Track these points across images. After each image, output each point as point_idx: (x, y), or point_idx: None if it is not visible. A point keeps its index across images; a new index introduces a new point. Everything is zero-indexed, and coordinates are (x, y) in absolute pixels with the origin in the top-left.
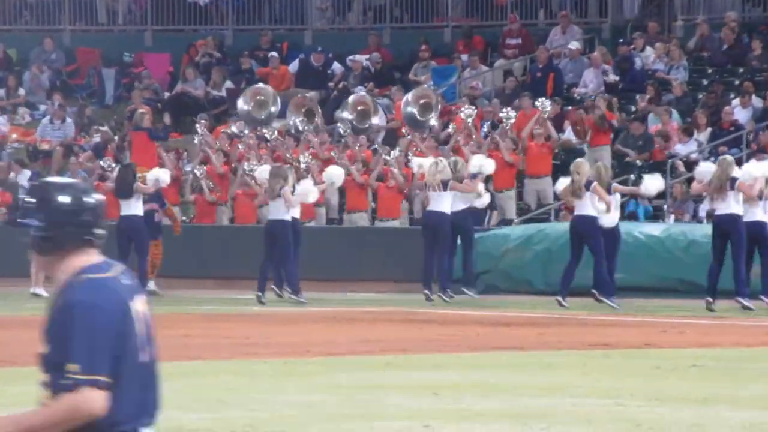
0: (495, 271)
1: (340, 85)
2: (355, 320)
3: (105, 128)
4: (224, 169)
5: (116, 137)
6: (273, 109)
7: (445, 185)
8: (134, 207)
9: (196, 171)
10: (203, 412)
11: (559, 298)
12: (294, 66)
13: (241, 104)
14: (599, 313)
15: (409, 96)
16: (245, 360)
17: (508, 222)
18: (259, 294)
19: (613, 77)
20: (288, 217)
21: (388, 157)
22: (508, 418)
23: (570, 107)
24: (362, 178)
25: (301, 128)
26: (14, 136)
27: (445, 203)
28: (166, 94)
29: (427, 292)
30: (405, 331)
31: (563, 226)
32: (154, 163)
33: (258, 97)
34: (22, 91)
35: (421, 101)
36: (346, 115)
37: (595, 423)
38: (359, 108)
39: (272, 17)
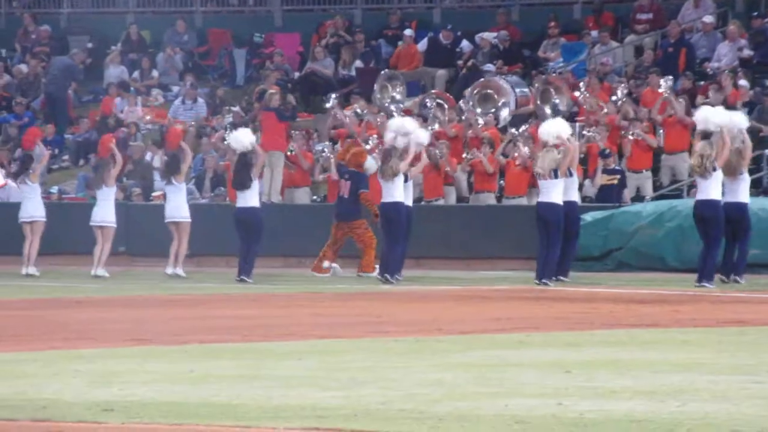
0: (627, 248)
1: (469, 63)
2: (486, 298)
3: (236, 109)
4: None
5: (247, 117)
6: (399, 90)
7: (555, 173)
8: (250, 198)
9: (326, 151)
10: (335, 390)
11: (705, 283)
12: (423, 44)
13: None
14: (733, 290)
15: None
16: (377, 338)
17: (640, 199)
18: (386, 276)
19: (747, 51)
20: (400, 199)
21: (516, 132)
22: (643, 395)
23: (703, 82)
24: (488, 158)
25: (429, 105)
26: (148, 117)
27: (554, 193)
28: (296, 74)
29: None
30: (536, 309)
31: None
32: (283, 144)
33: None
34: (155, 73)
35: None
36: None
37: (732, 400)
38: (485, 92)
39: None
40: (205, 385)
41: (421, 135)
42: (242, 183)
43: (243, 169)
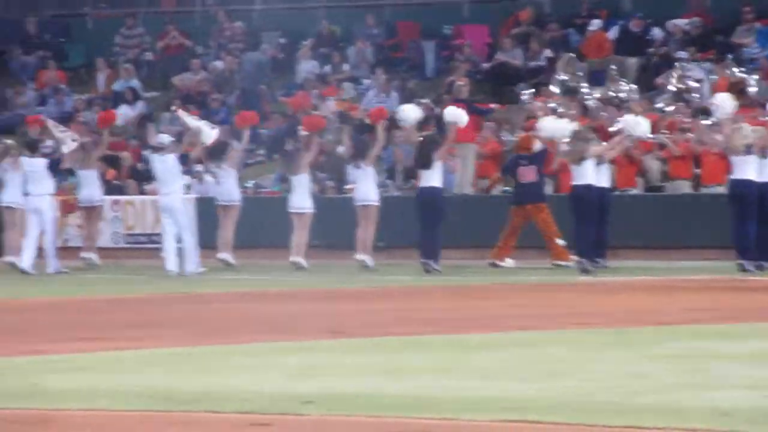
0: None
1: (661, 51)
2: (683, 288)
3: (426, 101)
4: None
5: (437, 110)
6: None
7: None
8: (433, 178)
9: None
10: (533, 382)
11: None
12: (613, 33)
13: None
14: None
15: None
16: (575, 329)
17: None
18: (582, 262)
19: None
20: (592, 182)
21: (707, 122)
22: None
23: None
24: (681, 147)
25: (624, 96)
26: (340, 111)
27: (748, 169)
28: (485, 66)
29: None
30: (736, 299)
31: None
32: (473, 135)
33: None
34: (346, 67)
35: None
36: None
37: None
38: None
39: None
40: (402, 377)
41: (640, 125)
42: (425, 162)
43: (427, 148)
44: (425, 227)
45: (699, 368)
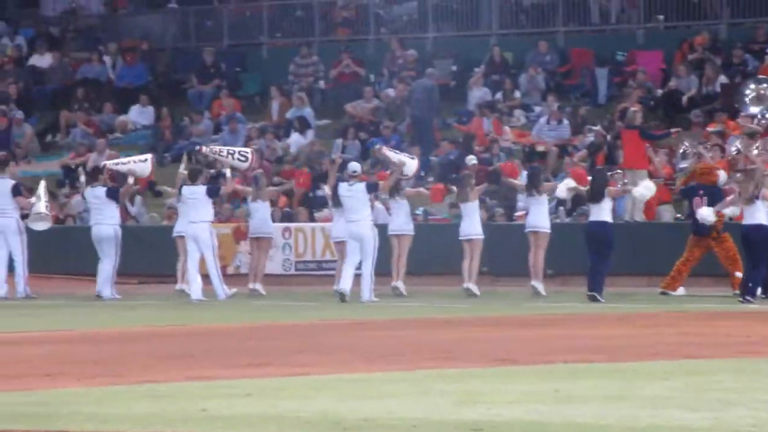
0: None
1: None
2: None
3: (597, 128)
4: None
5: (608, 137)
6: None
7: None
8: (603, 212)
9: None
10: (704, 411)
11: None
12: None
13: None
14: None
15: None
16: (746, 358)
17: None
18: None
19: None
20: (763, 221)
21: None
22: None
23: None
24: None
25: None
26: (510, 137)
27: None
28: (659, 92)
29: None
30: None
31: None
32: (645, 162)
33: (761, 92)
34: (517, 94)
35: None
36: None
37: None
38: None
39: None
40: (570, 405)
41: None
42: (596, 196)
43: (599, 182)
44: (594, 261)
45: None
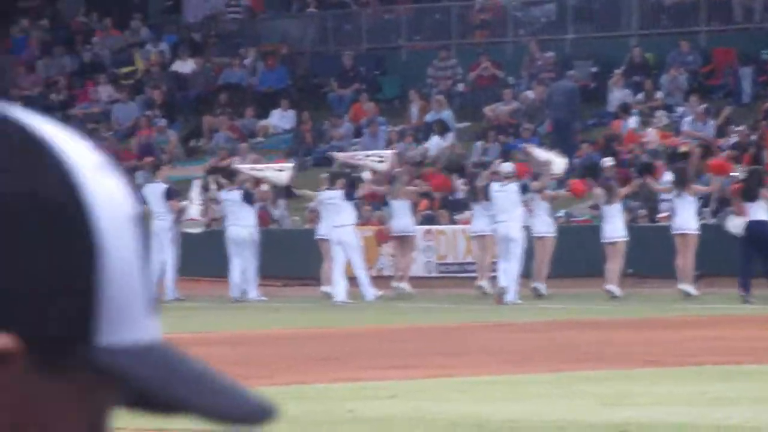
0: None
1: None
2: None
3: (741, 128)
4: None
5: (753, 137)
6: None
7: None
8: (760, 212)
9: None
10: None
11: None
12: None
13: None
14: None
15: None
16: None
17: None
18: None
19: None
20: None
21: None
22: None
23: None
24: None
25: None
26: (655, 138)
27: None
28: None
29: None
30: None
31: None
32: None
33: None
34: (659, 94)
35: None
36: None
37: None
38: None
39: None
40: (718, 407)
41: None
42: (751, 195)
43: (753, 181)
44: (749, 260)
45: None
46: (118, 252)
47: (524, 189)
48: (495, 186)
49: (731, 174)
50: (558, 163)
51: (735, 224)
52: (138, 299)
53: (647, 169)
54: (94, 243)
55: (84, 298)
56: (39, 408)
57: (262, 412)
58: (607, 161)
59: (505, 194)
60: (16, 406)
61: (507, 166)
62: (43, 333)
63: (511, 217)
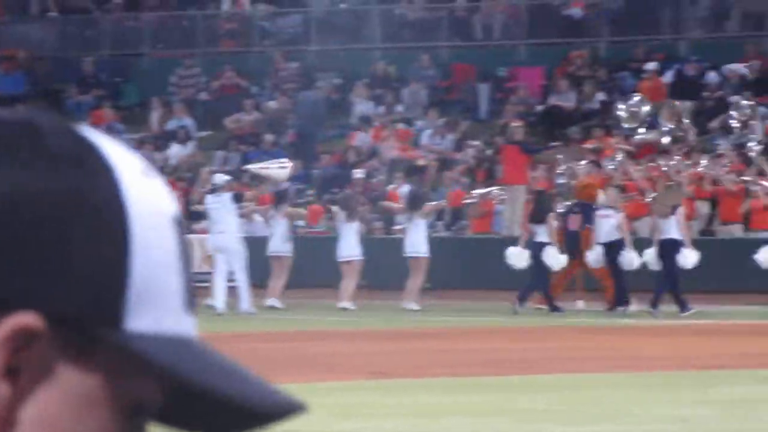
0: None
1: (716, 95)
2: (737, 333)
3: (477, 143)
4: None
5: (488, 152)
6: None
7: None
8: (544, 235)
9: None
10: (576, 425)
11: None
12: (668, 76)
13: (616, 114)
14: None
15: None
16: (624, 372)
17: None
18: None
19: None
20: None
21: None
22: None
23: None
24: (736, 188)
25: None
26: (393, 150)
27: None
28: (539, 108)
29: None
30: None
31: None
32: (525, 177)
33: (633, 110)
34: (400, 107)
35: None
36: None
37: None
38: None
39: (647, 28)
40: (446, 419)
41: None
42: (539, 218)
43: (542, 203)
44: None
45: (740, 413)
46: (153, 247)
47: (237, 198)
48: (209, 198)
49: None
50: (279, 173)
51: (515, 255)
52: (174, 294)
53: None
54: (128, 236)
55: (110, 285)
56: (66, 389)
57: (293, 405)
58: (358, 173)
59: (220, 205)
60: (42, 385)
61: (219, 177)
62: (68, 313)
63: (227, 229)
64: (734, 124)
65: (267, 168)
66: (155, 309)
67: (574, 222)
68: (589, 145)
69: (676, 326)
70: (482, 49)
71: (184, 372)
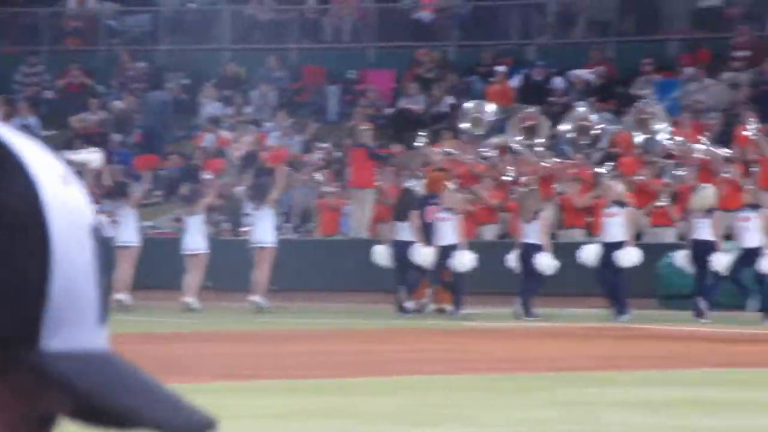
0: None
1: (562, 100)
2: (572, 335)
3: (326, 145)
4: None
5: (337, 154)
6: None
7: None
8: (406, 233)
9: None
10: (418, 427)
11: None
12: (516, 81)
13: (463, 121)
14: None
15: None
16: (465, 375)
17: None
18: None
19: None
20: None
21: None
22: None
23: None
24: (581, 195)
25: (519, 146)
26: (239, 151)
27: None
28: (388, 111)
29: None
30: (627, 347)
31: None
32: (372, 180)
33: (476, 115)
34: (249, 109)
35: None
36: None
37: None
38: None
39: (496, 33)
40: (285, 421)
41: None
42: (401, 215)
43: (405, 201)
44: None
45: (584, 415)
46: (72, 260)
47: None
48: None
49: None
50: (93, 159)
51: (380, 253)
52: (89, 308)
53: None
54: (47, 252)
55: (30, 303)
56: None
57: (204, 424)
58: (206, 173)
59: None
60: None
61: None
62: None
63: None
64: (577, 129)
65: (78, 153)
66: (71, 325)
67: (431, 214)
68: (438, 148)
69: (519, 329)
70: (332, 51)
71: (95, 392)
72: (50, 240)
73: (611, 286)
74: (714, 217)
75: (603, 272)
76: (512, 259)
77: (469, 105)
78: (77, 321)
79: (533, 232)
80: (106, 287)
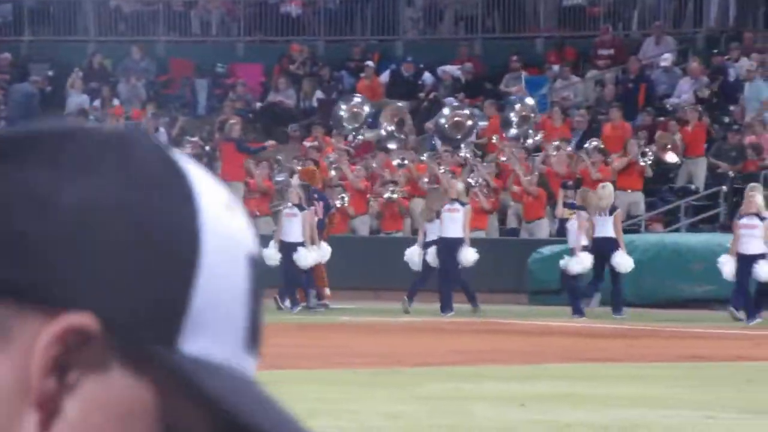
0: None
1: (431, 96)
2: (443, 330)
3: (195, 139)
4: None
5: (207, 148)
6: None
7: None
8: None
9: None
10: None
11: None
12: (385, 76)
13: (337, 114)
14: (691, 325)
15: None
16: (336, 369)
17: None
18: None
19: (706, 88)
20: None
21: (479, 168)
22: (597, 429)
23: (662, 118)
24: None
25: (391, 140)
26: None
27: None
28: (258, 105)
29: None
30: (494, 342)
31: (654, 238)
32: (242, 174)
33: (354, 110)
34: (116, 102)
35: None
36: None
37: None
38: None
39: (364, 28)
40: None
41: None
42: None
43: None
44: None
45: (453, 410)
46: (224, 279)
47: None
48: None
49: None
50: None
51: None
52: (236, 328)
53: None
54: (196, 267)
55: (173, 304)
56: (113, 395)
57: None
58: None
59: None
60: (89, 386)
61: None
62: (125, 323)
63: None
64: (447, 124)
65: None
66: (213, 335)
67: (317, 210)
68: (308, 143)
69: (387, 324)
70: (200, 44)
71: (243, 410)
72: (200, 257)
73: (452, 283)
74: (615, 215)
75: (443, 270)
76: (431, 254)
77: (347, 100)
78: (220, 334)
79: (436, 228)
80: (257, 313)
